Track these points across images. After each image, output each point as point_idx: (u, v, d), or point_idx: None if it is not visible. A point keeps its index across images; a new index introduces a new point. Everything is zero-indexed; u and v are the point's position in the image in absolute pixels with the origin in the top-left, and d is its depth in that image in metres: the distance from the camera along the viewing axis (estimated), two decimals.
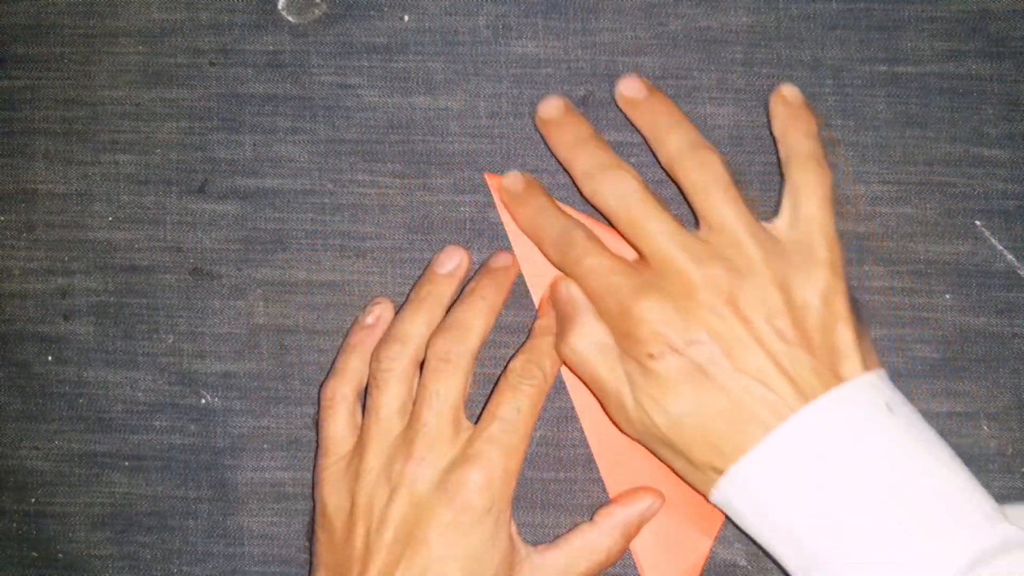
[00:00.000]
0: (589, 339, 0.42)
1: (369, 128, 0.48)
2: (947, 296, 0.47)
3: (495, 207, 0.47)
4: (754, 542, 0.41)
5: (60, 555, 0.49)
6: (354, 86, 0.48)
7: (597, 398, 0.44)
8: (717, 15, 0.48)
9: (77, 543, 0.48)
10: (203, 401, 0.48)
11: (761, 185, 0.47)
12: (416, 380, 0.44)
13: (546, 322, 0.45)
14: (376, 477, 0.43)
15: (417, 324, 0.45)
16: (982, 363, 0.47)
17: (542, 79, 0.48)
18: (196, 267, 0.49)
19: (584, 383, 0.44)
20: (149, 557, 0.48)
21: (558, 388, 0.47)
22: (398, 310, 0.46)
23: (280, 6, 0.49)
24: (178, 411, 0.48)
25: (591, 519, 0.45)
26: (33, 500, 0.49)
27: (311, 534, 0.46)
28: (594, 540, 0.44)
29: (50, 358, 0.49)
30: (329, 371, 0.46)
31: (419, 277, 0.47)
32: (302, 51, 0.48)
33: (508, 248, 0.47)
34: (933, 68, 0.47)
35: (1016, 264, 0.47)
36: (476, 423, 0.44)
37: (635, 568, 0.46)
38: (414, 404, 0.44)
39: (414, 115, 0.48)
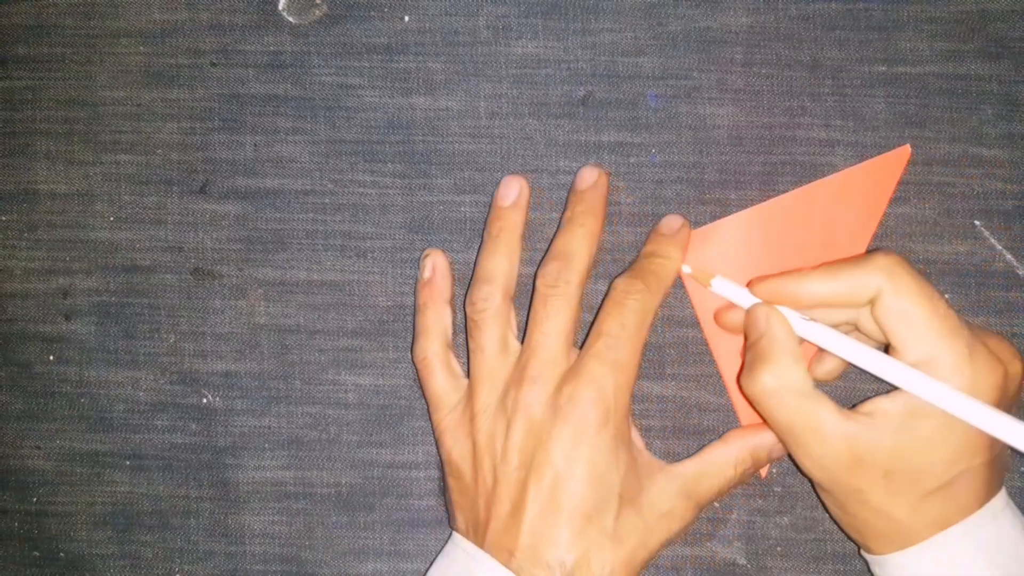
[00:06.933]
0: (783, 381, 0.41)
1: (369, 128, 0.48)
2: (947, 296, 0.47)
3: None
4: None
5: (62, 554, 0.49)
6: (354, 86, 0.48)
7: (780, 437, 0.42)
8: (717, 15, 0.48)
9: (79, 542, 0.49)
10: (204, 400, 0.48)
11: (761, 185, 0.47)
12: (512, 316, 0.45)
13: (652, 247, 0.45)
14: (492, 413, 0.43)
15: (498, 261, 0.45)
16: None
17: (542, 79, 0.48)
18: (197, 267, 0.49)
19: (763, 419, 0.43)
20: (151, 556, 0.48)
21: None
22: (479, 249, 0.46)
23: (280, 7, 0.49)
24: (179, 410, 0.48)
25: (721, 438, 0.45)
26: (35, 499, 0.49)
27: (444, 488, 0.46)
28: (725, 455, 0.44)
29: (52, 358, 0.49)
30: (413, 335, 0.47)
31: (487, 215, 0.47)
32: (303, 51, 0.49)
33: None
34: (933, 68, 0.47)
35: (1015, 264, 0.47)
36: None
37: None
38: (526, 331, 0.44)
39: (414, 115, 0.48)
